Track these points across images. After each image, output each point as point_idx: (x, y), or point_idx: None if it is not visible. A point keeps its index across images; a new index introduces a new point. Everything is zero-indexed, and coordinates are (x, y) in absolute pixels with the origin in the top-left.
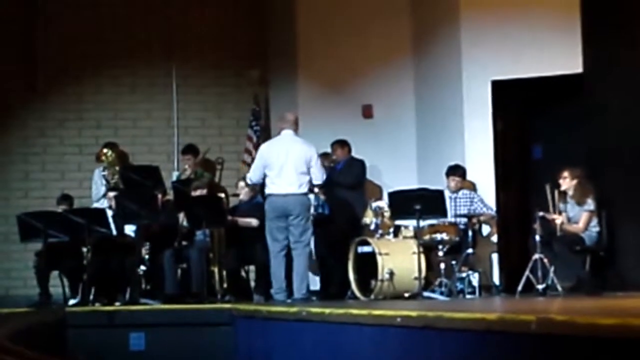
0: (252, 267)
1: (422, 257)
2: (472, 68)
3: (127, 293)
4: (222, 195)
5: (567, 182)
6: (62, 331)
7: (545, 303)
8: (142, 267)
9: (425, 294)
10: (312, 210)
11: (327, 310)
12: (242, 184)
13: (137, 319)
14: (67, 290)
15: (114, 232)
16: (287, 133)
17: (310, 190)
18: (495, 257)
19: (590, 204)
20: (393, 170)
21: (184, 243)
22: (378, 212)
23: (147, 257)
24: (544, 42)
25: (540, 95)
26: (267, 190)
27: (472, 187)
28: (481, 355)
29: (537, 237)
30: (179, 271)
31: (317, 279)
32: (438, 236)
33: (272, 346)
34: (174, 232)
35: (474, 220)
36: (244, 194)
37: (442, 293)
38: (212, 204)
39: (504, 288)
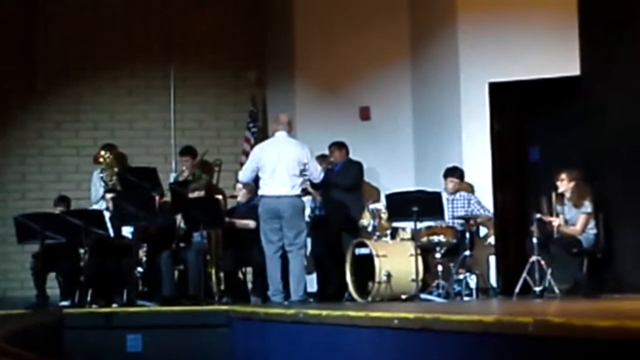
0: (249, 269)
1: (420, 259)
2: (469, 70)
3: (124, 295)
4: (220, 197)
5: (564, 184)
6: (59, 333)
7: (543, 305)
8: (139, 269)
9: (423, 296)
10: (308, 211)
11: (325, 312)
12: (239, 185)
13: (135, 321)
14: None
15: (111, 233)
16: (281, 135)
17: (305, 192)
18: (492, 259)
19: (587, 206)
20: (390, 172)
21: (182, 245)
22: (375, 214)
23: (144, 258)
24: (542, 44)
25: (538, 97)
26: (260, 192)
27: (470, 189)
28: (478, 357)
29: (535, 239)
30: (176, 273)
31: (315, 280)
32: (435, 238)
33: (269, 348)
34: (171, 233)
35: (472, 222)
36: (241, 195)
37: (439, 295)
38: (210, 205)
39: (501, 290)
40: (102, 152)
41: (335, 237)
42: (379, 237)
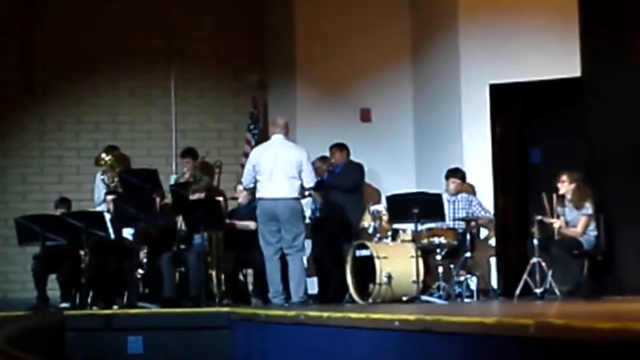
0: (250, 271)
1: (420, 260)
2: (470, 72)
3: (125, 296)
4: (221, 198)
5: (565, 186)
6: (60, 335)
7: (543, 307)
8: (140, 271)
9: (423, 297)
10: (309, 213)
11: (325, 314)
12: (240, 187)
13: (135, 323)
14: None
15: (112, 235)
16: (278, 137)
17: (304, 195)
18: (493, 260)
19: (588, 208)
20: (391, 173)
21: (182, 246)
22: (376, 216)
23: (145, 260)
24: (543, 45)
25: (539, 99)
26: (258, 194)
27: (471, 190)
28: (479, 359)
29: (535, 241)
30: (177, 274)
31: (315, 282)
32: (436, 240)
33: (269, 350)
34: (172, 235)
35: (472, 223)
36: (242, 197)
37: (440, 297)
38: (210, 207)
39: (502, 292)
40: (103, 155)
41: (335, 239)
42: (380, 239)
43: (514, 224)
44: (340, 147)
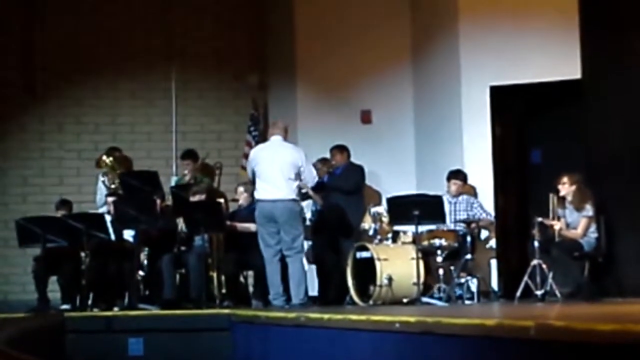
0: (250, 273)
1: (421, 262)
2: (470, 73)
3: (126, 298)
4: (221, 200)
5: (565, 188)
6: (60, 336)
7: (544, 309)
8: (141, 273)
9: (424, 299)
10: (309, 215)
11: (326, 316)
12: (241, 189)
13: (136, 324)
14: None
15: (113, 237)
16: (276, 139)
17: (305, 197)
18: (494, 262)
19: (588, 210)
20: (392, 175)
21: (183, 248)
22: (377, 218)
23: (145, 262)
24: (543, 47)
25: (539, 101)
26: (256, 196)
27: (473, 191)
28: None
29: (536, 243)
30: (178, 276)
31: (316, 284)
32: (437, 241)
33: (270, 352)
34: (172, 237)
35: (473, 225)
36: (243, 199)
37: (440, 299)
38: (211, 209)
39: (503, 294)
40: (104, 157)
41: (336, 241)
42: (380, 241)
43: (514, 225)
44: (341, 149)
